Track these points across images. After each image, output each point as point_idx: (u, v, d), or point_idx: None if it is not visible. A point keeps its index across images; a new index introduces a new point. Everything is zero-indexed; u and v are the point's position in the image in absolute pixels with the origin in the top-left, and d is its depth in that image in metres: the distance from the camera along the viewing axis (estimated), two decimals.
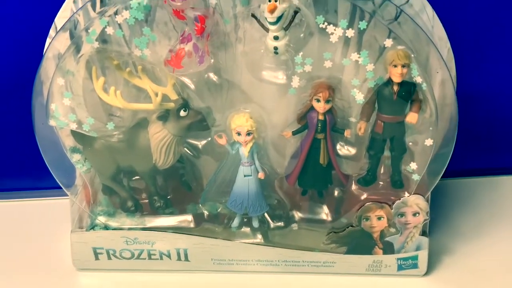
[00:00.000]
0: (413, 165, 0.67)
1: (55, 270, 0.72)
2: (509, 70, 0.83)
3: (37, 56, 0.66)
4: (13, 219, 0.80)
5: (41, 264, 0.73)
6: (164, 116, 0.65)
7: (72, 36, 0.62)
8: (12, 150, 0.84)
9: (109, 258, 0.70)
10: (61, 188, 0.69)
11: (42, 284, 0.70)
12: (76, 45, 0.62)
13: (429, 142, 0.64)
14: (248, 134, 0.65)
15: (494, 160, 0.89)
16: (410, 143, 0.67)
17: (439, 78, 0.64)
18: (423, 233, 0.68)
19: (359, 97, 0.63)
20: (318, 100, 0.64)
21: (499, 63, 0.82)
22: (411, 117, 0.64)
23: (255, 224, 0.70)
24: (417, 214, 0.67)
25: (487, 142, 0.88)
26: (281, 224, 0.71)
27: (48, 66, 0.63)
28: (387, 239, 0.68)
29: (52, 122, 0.64)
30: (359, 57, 0.61)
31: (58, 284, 0.70)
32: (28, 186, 0.85)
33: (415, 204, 0.66)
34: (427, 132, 0.64)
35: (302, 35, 0.61)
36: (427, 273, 0.70)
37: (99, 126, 0.65)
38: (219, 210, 0.71)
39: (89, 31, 0.60)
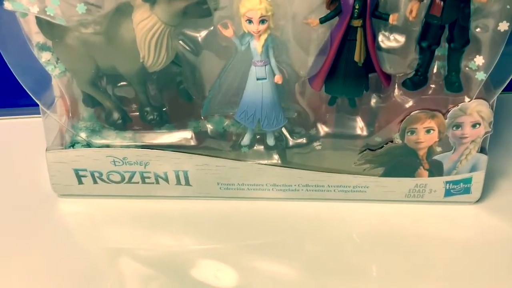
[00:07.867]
0: (479, 60, 0.57)
1: (32, 197, 0.66)
2: None
3: None
4: None
5: (17, 190, 0.67)
6: None
7: None
8: None
9: (95, 182, 0.64)
10: (37, 105, 0.62)
11: (18, 214, 0.64)
12: None
13: (503, 26, 0.54)
14: (262, 21, 0.56)
15: None
16: (478, 29, 0.58)
17: None
18: (482, 150, 0.61)
19: None
20: None
21: None
22: None
23: (270, 141, 0.64)
24: (478, 126, 0.59)
25: None
26: (302, 141, 0.65)
27: None
28: (435, 157, 0.61)
29: (7, 5, 0.56)
30: None
31: (36, 213, 0.64)
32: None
33: (476, 112, 0.58)
34: (503, 13, 0.55)
35: None
36: (479, 200, 0.63)
37: (69, 10, 0.56)
38: (225, 125, 0.64)
39: None
